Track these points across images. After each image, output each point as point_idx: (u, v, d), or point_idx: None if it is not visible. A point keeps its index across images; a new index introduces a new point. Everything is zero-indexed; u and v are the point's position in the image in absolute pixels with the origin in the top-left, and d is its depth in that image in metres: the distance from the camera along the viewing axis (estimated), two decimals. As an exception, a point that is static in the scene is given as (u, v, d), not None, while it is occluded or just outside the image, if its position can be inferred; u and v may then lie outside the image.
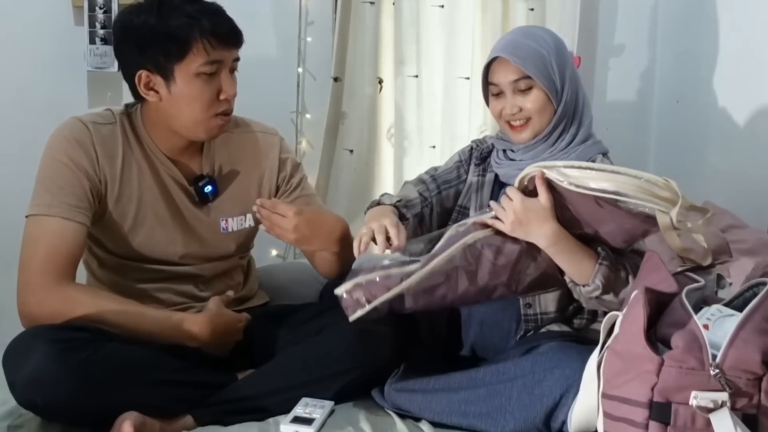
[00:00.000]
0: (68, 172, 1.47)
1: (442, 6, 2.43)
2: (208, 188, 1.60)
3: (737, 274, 1.80)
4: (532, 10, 2.47)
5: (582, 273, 1.40)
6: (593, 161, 1.55)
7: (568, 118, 1.59)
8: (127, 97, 2.20)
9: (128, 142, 1.55)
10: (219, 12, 1.49)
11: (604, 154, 1.62)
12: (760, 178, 2.14)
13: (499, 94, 1.60)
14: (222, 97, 1.50)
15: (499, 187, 1.67)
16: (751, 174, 2.16)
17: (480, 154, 1.72)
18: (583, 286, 1.41)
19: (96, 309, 1.40)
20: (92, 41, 2.12)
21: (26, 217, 1.47)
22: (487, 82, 1.62)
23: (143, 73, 1.47)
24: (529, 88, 1.55)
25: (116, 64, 2.10)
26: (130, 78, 1.51)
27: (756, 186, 2.14)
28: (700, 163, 2.42)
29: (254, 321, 1.57)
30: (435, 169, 1.75)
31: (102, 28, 2.12)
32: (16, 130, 2.15)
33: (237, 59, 1.53)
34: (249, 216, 1.66)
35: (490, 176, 1.69)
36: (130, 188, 1.54)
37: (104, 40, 2.13)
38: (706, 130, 2.38)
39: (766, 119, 2.11)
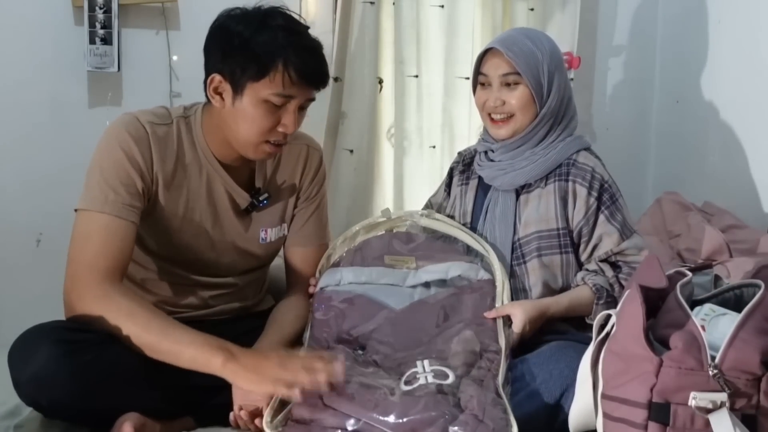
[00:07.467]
0: (123, 170, 1.44)
1: (442, 6, 2.43)
2: (264, 201, 1.59)
3: (737, 274, 1.80)
4: (532, 10, 2.47)
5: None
6: (576, 156, 1.62)
7: (552, 122, 1.63)
8: (127, 97, 2.25)
9: (182, 144, 1.52)
10: (312, 49, 1.46)
11: (587, 149, 1.66)
12: (759, 179, 2.14)
13: (486, 85, 1.64)
14: (280, 129, 1.47)
15: (483, 190, 1.70)
16: (751, 174, 2.17)
17: (464, 161, 1.79)
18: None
19: (131, 321, 1.34)
20: (92, 41, 2.12)
21: (76, 210, 1.44)
22: (477, 72, 1.66)
23: (216, 77, 1.45)
24: (516, 84, 1.60)
25: (116, 63, 2.15)
26: (206, 78, 1.49)
27: (756, 186, 2.15)
28: (700, 164, 2.42)
29: (256, 325, 1.57)
30: (429, 202, 1.84)
31: (102, 28, 2.12)
32: (16, 129, 2.15)
33: (312, 99, 1.49)
34: (285, 225, 1.66)
35: (473, 182, 1.74)
36: (180, 191, 1.52)
37: (104, 40, 2.12)
38: (706, 130, 2.38)
39: (766, 119, 2.11)
